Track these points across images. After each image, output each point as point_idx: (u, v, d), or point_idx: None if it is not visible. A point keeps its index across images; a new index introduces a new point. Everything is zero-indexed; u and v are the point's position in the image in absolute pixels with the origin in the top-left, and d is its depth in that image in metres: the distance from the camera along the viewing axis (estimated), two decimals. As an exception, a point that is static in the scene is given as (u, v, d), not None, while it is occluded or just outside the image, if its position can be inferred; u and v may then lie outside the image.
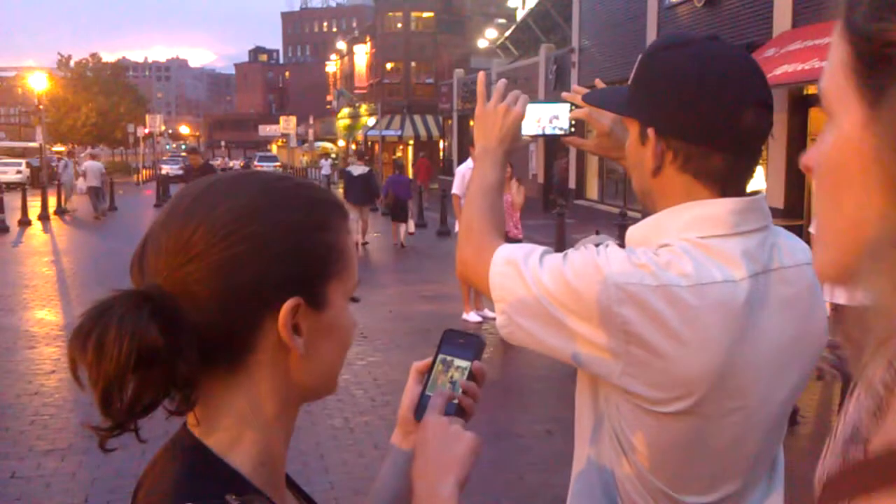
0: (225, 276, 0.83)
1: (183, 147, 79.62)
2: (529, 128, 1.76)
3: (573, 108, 1.77)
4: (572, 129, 1.83)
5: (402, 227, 16.40)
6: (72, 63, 60.08)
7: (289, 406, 0.92)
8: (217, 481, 0.84)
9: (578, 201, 22.94)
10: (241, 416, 0.88)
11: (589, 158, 22.41)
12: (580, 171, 23.53)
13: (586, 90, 1.64)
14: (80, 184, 24.23)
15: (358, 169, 15.76)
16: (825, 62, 0.64)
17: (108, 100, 57.82)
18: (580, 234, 13.20)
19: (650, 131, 1.37)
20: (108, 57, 72.61)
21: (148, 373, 0.80)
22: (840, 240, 0.63)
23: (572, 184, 23.75)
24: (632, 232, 1.44)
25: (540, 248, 1.42)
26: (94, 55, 63.48)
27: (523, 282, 1.36)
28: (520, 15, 32.77)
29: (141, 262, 0.87)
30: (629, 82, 1.45)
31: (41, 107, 29.47)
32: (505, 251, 1.44)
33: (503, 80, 1.70)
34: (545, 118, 1.82)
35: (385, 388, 7.06)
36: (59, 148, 52.70)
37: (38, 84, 29.54)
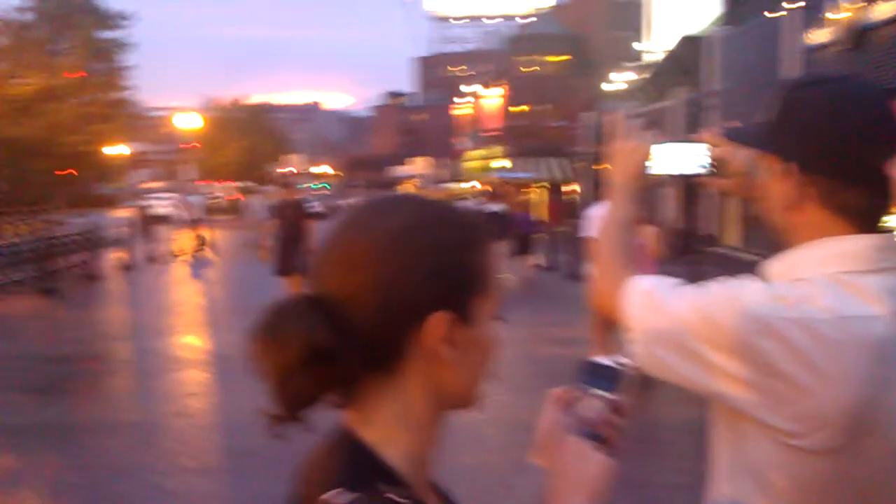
0: (384, 287, 0.94)
1: (323, 185, 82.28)
2: (665, 168, 1.81)
3: (710, 149, 1.79)
4: (712, 171, 1.85)
5: (527, 260, 17.25)
6: (216, 103, 63.33)
7: (437, 413, 1.00)
8: (372, 472, 0.93)
9: (717, 249, 22.16)
10: (394, 417, 0.97)
11: (729, 203, 21.72)
12: (719, 216, 22.80)
13: (720, 133, 1.66)
14: (185, 216, 25.10)
15: (493, 207, 16.55)
16: None
17: (252, 139, 60.56)
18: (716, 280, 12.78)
19: (792, 167, 1.39)
20: (253, 98, 76.25)
21: (316, 369, 0.91)
22: None
23: (710, 229, 23.06)
24: (770, 266, 1.45)
25: (676, 280, 1.45)
26: (238, 97, 66.87)
27: (660, 312, 1.39)
28: (653, 58, 32.46)
29: (317, 269, 0.99)
30: (768, 118, 1.46)
31: (192, 144, 31.21)
32: (641, 282, 1.47)
33: (636, 120, 1.75)
34: (682, 159, 1.87)
35: (514, 428, 7.01)
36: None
37: (190, 123, 31.32)
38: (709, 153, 1.81)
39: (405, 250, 0.95)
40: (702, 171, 1.85)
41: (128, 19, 34.69)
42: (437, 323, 0.94)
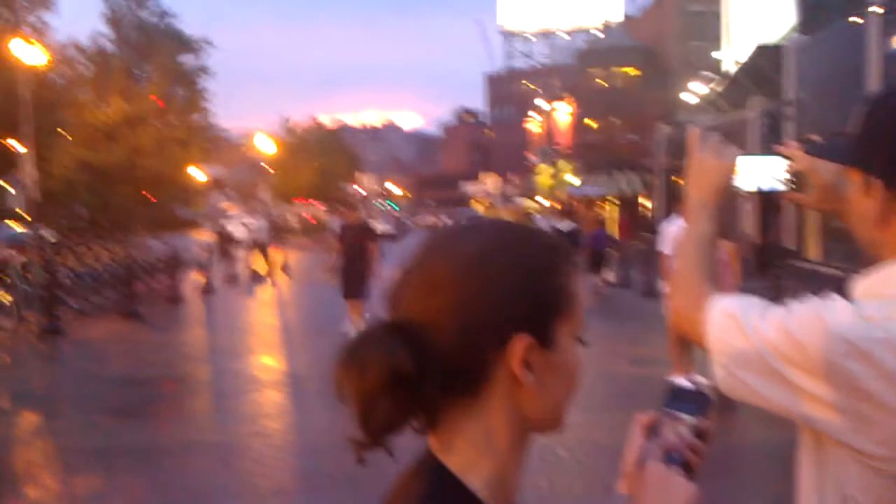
0: (464, 311, 0.93)
1: (391, 205, 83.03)
2: (745, 182, 1.76)
3: (789, 162, 1.75)
4: (792, 185, 1.80)
5: (600, 277, 17.49)
6: (292, 126, 64.73)
7: (520, 436, 0.99)
8: (455, 498, 0.92)
9: (797, 263, 21.53)
10: (477, 442, 0.96)
11: (809, 216, 21.12)
12: (800, 228, 22.21)
13: (800, 146, 1.62)
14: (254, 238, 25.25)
15: (565, 225, 16.59)
16: None
17: (327, 161, 61.65)
18: (799, 299, 12.43)
19: (876, 182, 1.35)
20: (326, 120, 77.70)
21: (398, 394, 0.90)
22: None
23: (791, 244, 22.47)
24: (858, 284, 1.40)
25: (759, 300, 1.40)
26: (313, 119, 68.25)
27: (743, 333, 1.35)
28: (728, 68, 31.88)
29: (396, 295, 0.99)
30: (852, 132, 1.42)
31: (266, 167, 31.93)
32: (723, 302, 1.43)
33: (715, 134, 1.71)
34: (761, 172, 1.81)
35: (590, 450, 6.90)
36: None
37: (265, 146, 32.03)
38: (788, 167, 1.76)
39: (485, 273, 0.94)
40: (781, 185, 1.79)
41: (208, 45, 35.75)
42: (519, 347, 0.93)
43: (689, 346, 8.06)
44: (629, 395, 8.73)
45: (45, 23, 22.23)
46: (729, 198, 1.64)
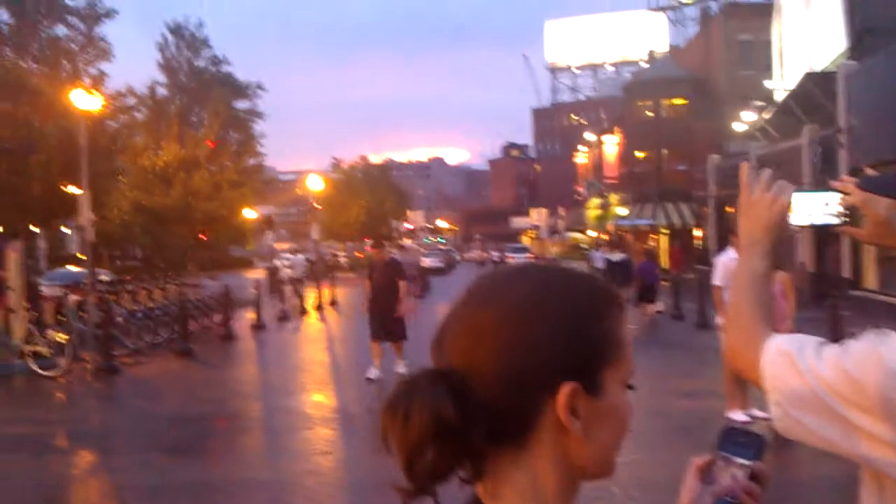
0: (510, 359, 0.92)
1: (440, 240, 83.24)
2: (798, 218, 1.73)
3: (843, 196, 1.71)
4: (846, 219, 1.77)
5: (650, 308, 17.93)
6: (344, 165, 65.72)
7: (569, 484, 0.97)
8: None
9: (854, 292, 21.00)
10: (524, 491, 0.94)
11: (866, 245, 20.62)
12: (855, 258, 21.71)
13: (854, 180, 1.59)
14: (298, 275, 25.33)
15: (617, 256, 17.14)
16: None
17: (375, 198, 62.27)
18: (857, 328, 12.08)
19: None
20: (375, 158, 78.60)
21: (444, 443, 0.89)
22: None
23: (847, 272, 21.96)
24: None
25: (815, 339, 1.38)
26: (362, 157, 69.14)
27: (799, 372, 1.33)
28: (779, 96, 31.51)
29: (440, 342, 0.98)
30: None
31: (316, 205, 32.35)
32: (778, 341, 1.41)
33: (768, 170, 1.68)
34: (815, 207, 1.79)
35: (645, 487, 6.76)
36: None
37: (315, 185, 32.48)
38: (842, 201, 1.73)
39: (530, 321, 0.93)
40: (835, 220, 1.76)
41: (261, 89, 36.54)
42: (565, 394, 0.92)
43: (744, 382, 7.88)
44: (683, 431, 8.56)
45: (103, 72, 22.95)
46: (783, 234, 1.62)
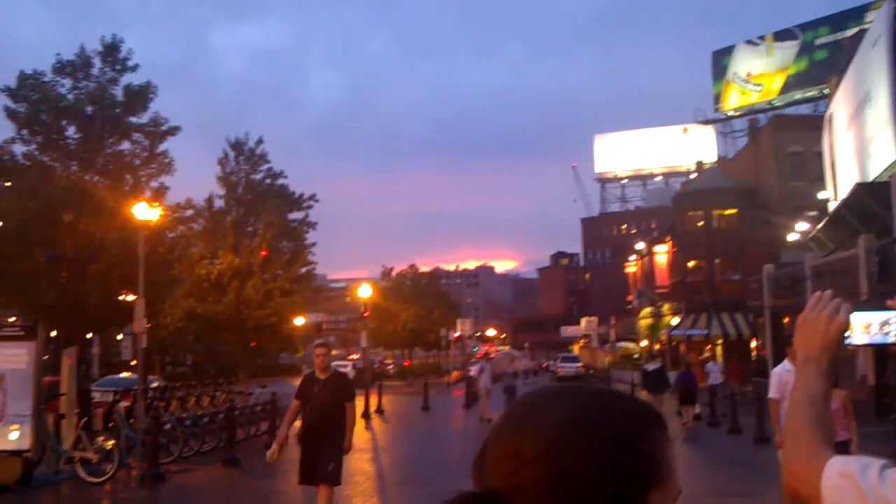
0: (551, 484, 0.90)
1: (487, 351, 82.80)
2: (857, 337, 1.68)
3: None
4: (903, 339, 1.71)
5: (691, 410, 20.18)
6: (393, 274, 66.45)
7: None
8: None
9: (918, 405, 20.29)
10: None
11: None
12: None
13: None
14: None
15: (652, 365, 20.23)
16: None
17: (424, 306, 62.58)
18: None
19: None
20: (425, 267, 79.37)
21: None
22: None
23: (908, 385, 21.22)
24: None
25: (878, 461, 1.32)
26: (411, 266, 69.93)
27: (861, 495, 1.27)
28: (832, 206, 31.29)
29: (481, 465, 0.96)
30: None
31: (365, 313, 32.58)
32: (839, 463, 1.35)
33: (829, 292, 1.65)
34: (874, 325, 1.73)
35: None
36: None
37: (364, 293, 32.81)
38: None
39: (572, 445, 0.92)
40: (894, 339, 1.70)
41: (314, 200, 37.48)
42: None
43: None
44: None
45: (164, 185, 23.84)
46: (840, 353, 1.57)
